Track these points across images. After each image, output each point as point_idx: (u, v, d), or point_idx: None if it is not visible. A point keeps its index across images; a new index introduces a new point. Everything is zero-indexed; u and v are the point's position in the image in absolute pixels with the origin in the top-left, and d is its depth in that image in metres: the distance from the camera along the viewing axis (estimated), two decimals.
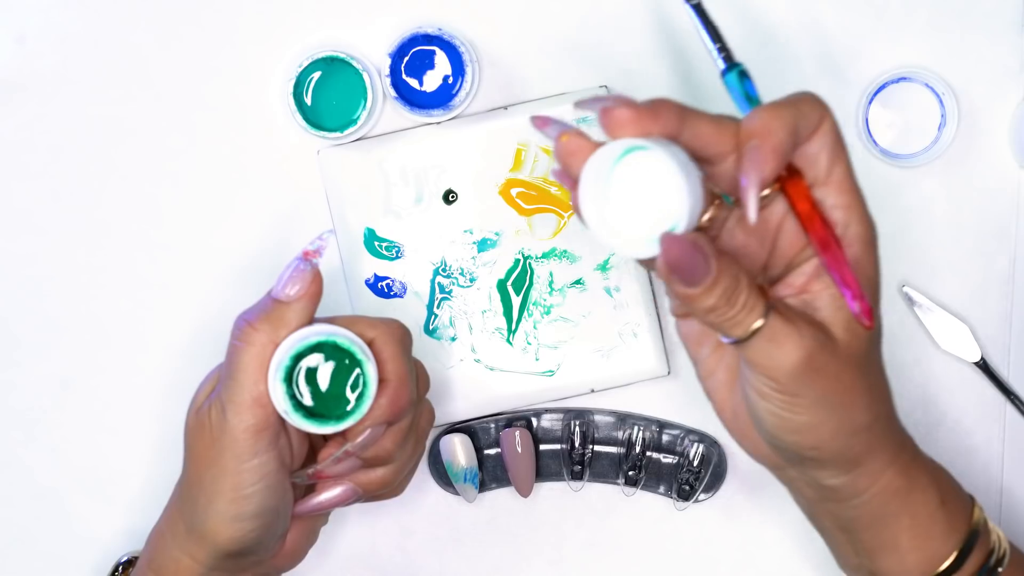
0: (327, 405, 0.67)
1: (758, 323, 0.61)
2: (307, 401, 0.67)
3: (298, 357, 0.67)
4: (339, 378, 0.67)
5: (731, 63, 0.68)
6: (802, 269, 0.63)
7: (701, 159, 0.62)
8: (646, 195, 0.61)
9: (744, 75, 0.68)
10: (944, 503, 0.67)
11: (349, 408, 0.67)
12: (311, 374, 0.67)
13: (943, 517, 0.67)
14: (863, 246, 0.63)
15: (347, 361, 0.67)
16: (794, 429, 0.64)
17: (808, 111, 0.62)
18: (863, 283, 0.62)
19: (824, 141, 0.62)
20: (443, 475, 0.83)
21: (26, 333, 0.83)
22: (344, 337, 0.67)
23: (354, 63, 0.80)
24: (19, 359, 0.83)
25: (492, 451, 0.83)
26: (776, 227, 0.64)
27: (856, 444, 0.65)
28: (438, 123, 0.82)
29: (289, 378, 0.67)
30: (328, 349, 0.67)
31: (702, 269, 0.60)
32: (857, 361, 0.63)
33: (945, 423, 0.82)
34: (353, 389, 0.67)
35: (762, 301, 0.61)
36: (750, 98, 0.67)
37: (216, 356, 0.80)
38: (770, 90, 0.82)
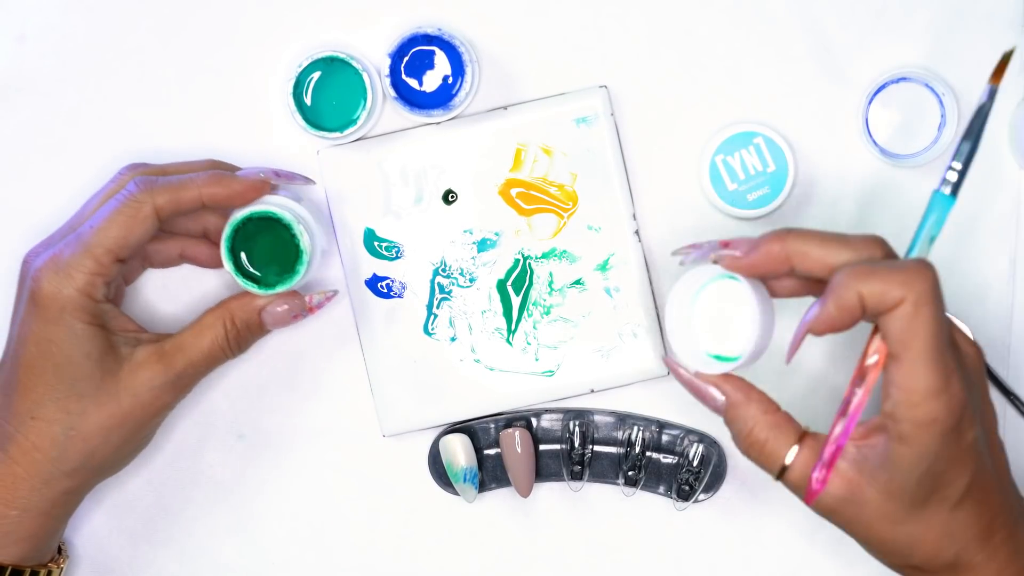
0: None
1: (787, 460, 0.69)
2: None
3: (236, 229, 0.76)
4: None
5: (955, 191, 0.69)
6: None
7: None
8: (724, 320, 0.71)
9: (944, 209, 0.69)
10: None
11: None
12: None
13: None
14: (914, 428, 0.66)
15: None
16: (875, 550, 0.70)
17: (892, 287, 0.65)
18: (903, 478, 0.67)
19: (900, 320, 0.65)
20: (443, 475, 0.83)
21: None
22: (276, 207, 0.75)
23: (354, 63, 0.80)
24: None
25: (492, 451, 0.83)
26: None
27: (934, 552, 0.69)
28: (438, 123, 0.82)
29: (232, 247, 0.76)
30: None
31: (714, 406, 0.71)
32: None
33: None
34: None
35: (791, 436, 0.69)
36: (931, 236, 0.69)
37: (224, 365, 0.80)
38: (770, 89, 0.82)
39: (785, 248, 0.68)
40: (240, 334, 0.77)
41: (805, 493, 0.69)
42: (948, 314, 0.67)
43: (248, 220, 0.75)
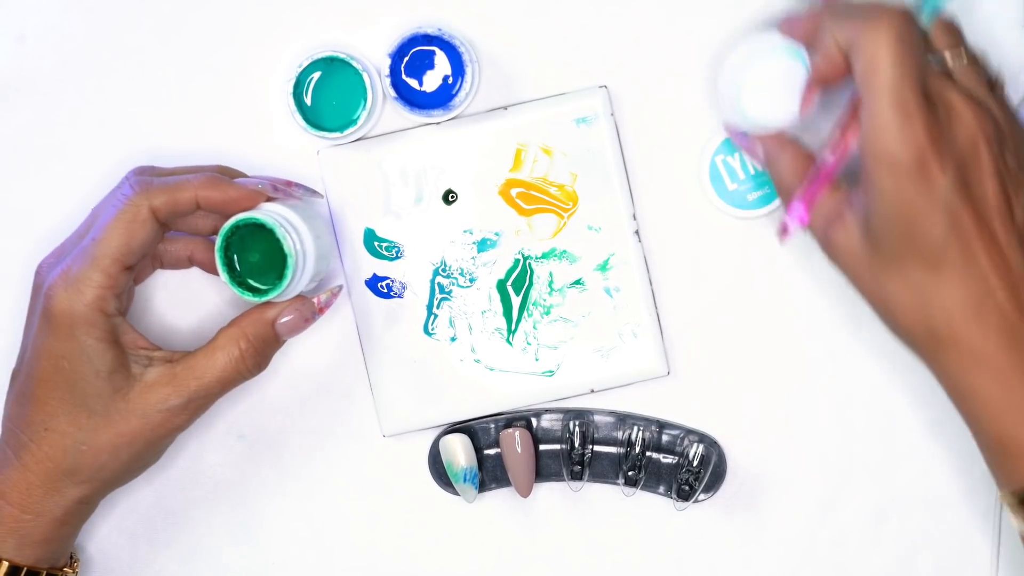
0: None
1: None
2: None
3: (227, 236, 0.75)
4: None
5: None
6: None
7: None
8: (773, 88, 0.76)
9: None
10: None
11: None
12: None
13: None
14: (874, 166, 0.68)
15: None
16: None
17: (858, 29, 0.68)
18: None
19: (861, 60, 0.68)
20: (443, 475, 0.83)
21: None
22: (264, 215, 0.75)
23: (354, 63, 0.80)
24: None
25: (492, 451, 0.83)
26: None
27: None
28: (438, 123, 0.82)
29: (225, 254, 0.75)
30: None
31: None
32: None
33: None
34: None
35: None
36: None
37: None
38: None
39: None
40: (257, 350, 0.76)
41: (778, 227, 0.74)
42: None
43: (238, 227, 0.75)
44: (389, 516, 0.84)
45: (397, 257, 0.82)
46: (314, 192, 0.78)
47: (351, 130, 0.80)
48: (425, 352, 0.82)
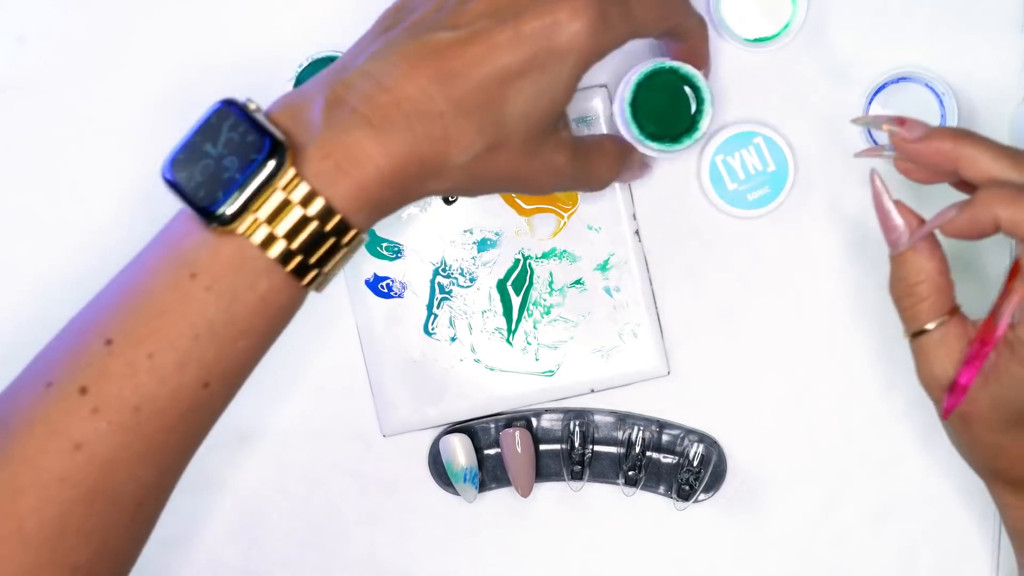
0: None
1: (930, 325, 0.69)
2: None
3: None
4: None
5: None
6: None
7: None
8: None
9: None
10: None
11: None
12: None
13: None
14: None
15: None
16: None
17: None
18: None
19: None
20: (443, 475, 0.83)
21: (28, 334, 0.83)
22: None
23: None
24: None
25: (492, 451, 0.83)
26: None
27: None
28: None
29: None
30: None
31: (893, 237, 0.70)
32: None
33: None
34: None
35: (946, 307, 0.69)
36: None
37: None
38: (768, 89, 0.82)
39: (957, 150, 0.67)
40: (620, 175, 0.76)
41: (948, 389, 0.69)
42: None
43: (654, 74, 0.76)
44: (389, 516, 0.84)
45: (397, 257, 0.82)
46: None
47: None
48: (425, 352, 0.82)
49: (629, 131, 0.77)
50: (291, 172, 0.63)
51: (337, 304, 0.83)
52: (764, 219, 0.82)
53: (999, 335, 0.67)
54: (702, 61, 0.76)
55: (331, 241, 0.65)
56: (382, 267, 0.82)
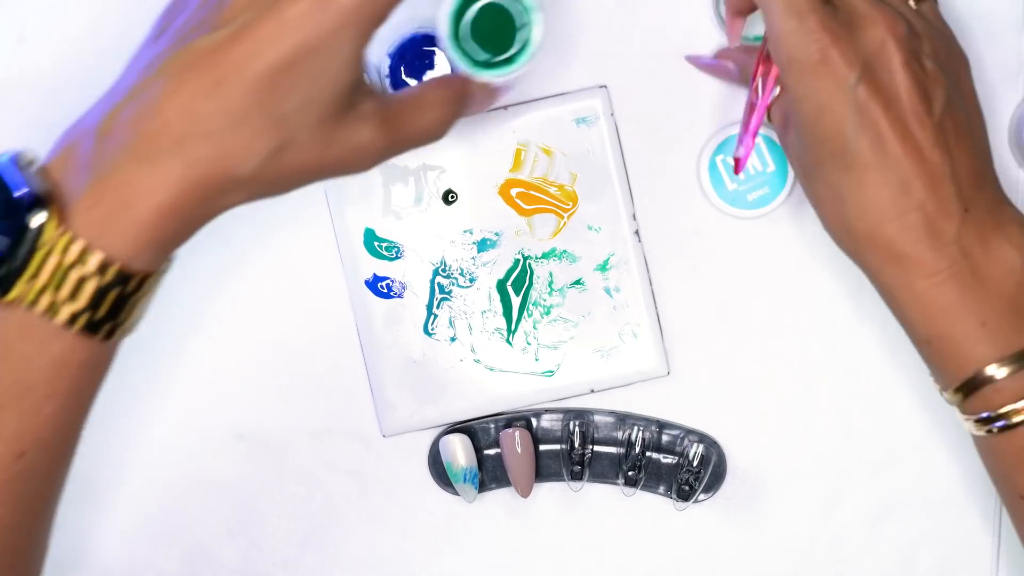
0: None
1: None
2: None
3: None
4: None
5: None
6: None
7: None
8: None
9: None
10: None
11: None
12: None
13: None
14: (783, 72, 0.69)
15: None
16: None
17: None
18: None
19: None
20: (443, 475, 0.83)
21: None
22: None
23: None
24: None
25: (492, 451, 0.83)
26: None
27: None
28: None
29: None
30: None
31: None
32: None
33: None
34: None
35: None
36: None
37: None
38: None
39: None
40: (456, 117, 0.70)
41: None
42: None
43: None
44: (389, 516, 0.84)
45: (397, 257, 0.82)
46: None
47: None
48: (425, 352, 0.82)
49: (462, 67, 0.74)
50: (59, 231, 0.61)
51: (337, 304, 0.83)
52: (764, 219, 0.82)
53: (763, 107, 0.72)
54: None
55: (115, 292, 0.62)
56: (382, 267, 0.82)
